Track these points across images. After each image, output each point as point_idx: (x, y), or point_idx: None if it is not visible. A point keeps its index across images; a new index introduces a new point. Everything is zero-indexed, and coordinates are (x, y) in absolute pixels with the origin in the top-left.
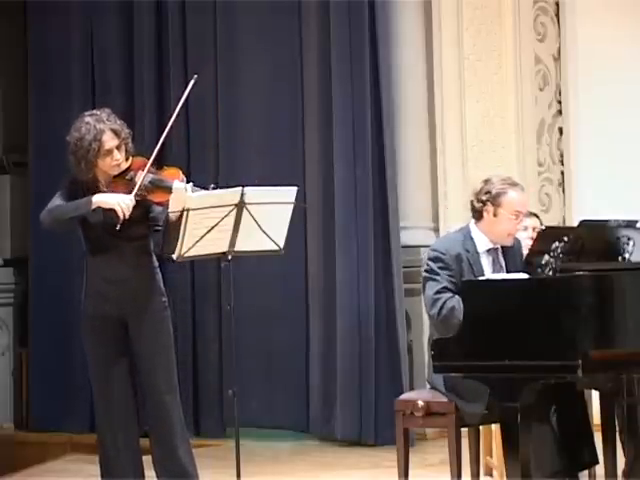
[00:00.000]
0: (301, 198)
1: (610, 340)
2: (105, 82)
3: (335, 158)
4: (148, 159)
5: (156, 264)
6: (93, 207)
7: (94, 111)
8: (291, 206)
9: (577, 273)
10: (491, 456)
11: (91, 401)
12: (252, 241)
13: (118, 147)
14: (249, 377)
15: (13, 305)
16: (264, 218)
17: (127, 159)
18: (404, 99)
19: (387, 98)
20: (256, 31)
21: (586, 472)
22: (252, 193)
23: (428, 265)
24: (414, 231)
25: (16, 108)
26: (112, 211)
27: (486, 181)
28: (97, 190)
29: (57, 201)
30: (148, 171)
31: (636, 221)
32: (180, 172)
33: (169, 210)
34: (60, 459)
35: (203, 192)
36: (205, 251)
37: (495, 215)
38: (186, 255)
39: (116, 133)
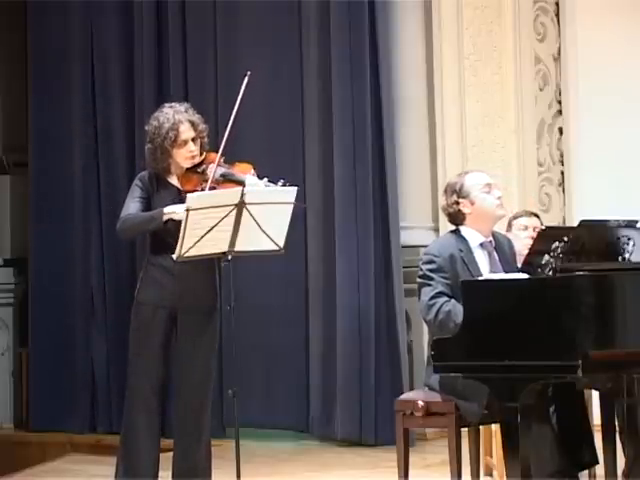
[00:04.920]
0: (301, 198)
1: (610, 340)
2: (105, 82)
3: (335, 158)
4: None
5: (216, 265)
6: (165, 219)
7: (173, 103)
8: (291, 206)
9: (577, 273)
10: (491, 456)
11: (91, 401)
12: (252, 241)
13: (194, 139)
14: (249, 377)
15: (13, 305)
16: (264, 218)
17: (201, 154)
18: (404, 99)
19: (387, 98)
20: (256, 31)
21: (586, 472)
22: (252, 193)
23: (422, 270)
24: (414, 231)
25: (16, 108)
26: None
27: (445, 190)
28: (168, 184)
29: (130, 205)
30: (219, 164)
31: (636, 221)
32: (251, 167)
33: None
34: (60, 459)
35: (205, 192)
36: (205, 251)
37: (472, 203)
38: (186, 255)
39: (193, 125)
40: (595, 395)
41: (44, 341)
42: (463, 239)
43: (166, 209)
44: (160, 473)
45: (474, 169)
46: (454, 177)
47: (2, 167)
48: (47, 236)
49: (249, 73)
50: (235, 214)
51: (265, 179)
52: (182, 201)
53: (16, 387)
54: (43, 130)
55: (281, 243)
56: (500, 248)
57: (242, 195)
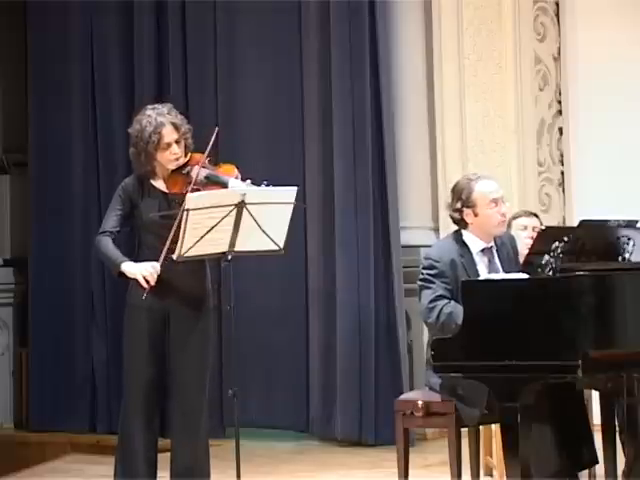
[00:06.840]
0: (301, 198)
1: (610, 340)
2: (105, 82)
3: (335, 158)
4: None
5: (207, 264)
6: (119, 271)
7: (156, 105)
8: (291, 206)
9: (577, 273)
10: (491, 456)
11: (91, 401)
12: (252, 241)
13: (177, 141)
14: (249, 377)
15: (13, 305)
16: (264, 218)
17: (186, 155)
18: (404, 99)
19: (387, 98)
20: (256, 31)
21: (586, 472)
22: (252, 193)
23: (422, 274)
24: (414, 231)
25: (16, 108)
26: (136, 280)
27: (453, 190)
28: (153, 189)
29: (109, 221)
30: (203, 166)
31: (636, 221)
32: (235, 169)
33: None
34: (60, 459)
35: (205, 192)
36: (205, 251)
37: (476, 215)
38: (186, 255)
39: (176, 127)
40: (595, 395)
41: (44, 341)
42: (464, 244)
43: (123, 265)
44: (159, 473)
45: (485, 175)
46: (464, 179)
47: (2, 167)
48: (47, 236)
49: (217, 129)
50: (235, 214)
51: (248, 181)
52: (169, 204)
53: (16, 387)
54: (43, 130)
55: (281, 243)
56: (502, 248)
57: (242, 195)
